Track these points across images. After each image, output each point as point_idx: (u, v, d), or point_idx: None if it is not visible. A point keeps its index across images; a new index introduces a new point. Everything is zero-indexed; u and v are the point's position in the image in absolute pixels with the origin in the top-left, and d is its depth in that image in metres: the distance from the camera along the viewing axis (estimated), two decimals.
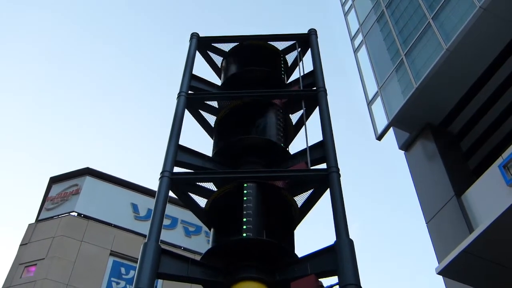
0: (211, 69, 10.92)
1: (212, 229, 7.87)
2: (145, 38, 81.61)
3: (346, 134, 78.64)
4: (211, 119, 9.69)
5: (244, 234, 6.97)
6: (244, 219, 7.12)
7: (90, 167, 30.98)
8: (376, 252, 75.84)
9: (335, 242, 6.74)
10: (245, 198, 7.36)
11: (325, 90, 9.21)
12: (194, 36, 10.69)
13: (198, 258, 7.26)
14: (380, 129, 18.34)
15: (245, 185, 7.53)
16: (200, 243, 29.72)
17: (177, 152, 8.17)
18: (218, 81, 10.47)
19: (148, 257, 6.52)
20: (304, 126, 8.89)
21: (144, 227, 28.25)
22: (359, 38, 22.06)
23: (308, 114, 9.34)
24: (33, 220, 29.31)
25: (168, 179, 7.68)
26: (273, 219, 7.56)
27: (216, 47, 10.85)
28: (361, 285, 6.24)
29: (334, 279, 6.57)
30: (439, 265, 12.19)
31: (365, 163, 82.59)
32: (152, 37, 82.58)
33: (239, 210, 7.25)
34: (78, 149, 70.12)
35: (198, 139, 10.68)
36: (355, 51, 22.07)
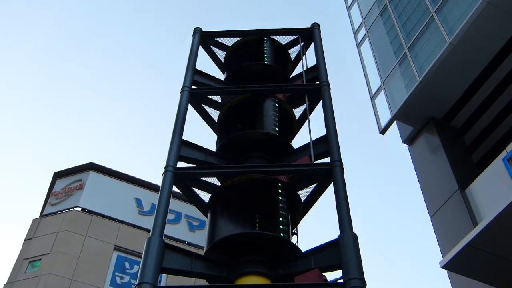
0: (214, 63, 10.92)
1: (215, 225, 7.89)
2: (148, 33, 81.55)
3: (350, 128, 78.51)
4: (214, 113, 9.69)
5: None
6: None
7: (94, 162, 31.05)
8: (379, 246, 75.85)
9: (339, 236, 6.74)
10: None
11: (328, 84, 9.20)
12: (197, 31, 10.68)
13: (202, 252, 7.27)
14: (383, 123, 18.29)
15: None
16: (204, 237, 29.70)
17: (180, 146, 8.18)
18: (221, 76, 10.47)
19: (152, 251, 6.53)
20: (307, 120, 8.88)
21: (148, 222, 28.29)
22: (362, 32, 21.99)
23: (311, 108, 9.34)
24: (37, 215, 29.40)
25: (172, 173, 7.69)
26: (274, 214, 7.57)
27: (219, 42, 10.84)
28: (365, 278, 6.24)
29: (338, 273, 6.58)
30: (443, 259, 12.17)
31: (368, 157, 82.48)
32: (155, 32, 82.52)
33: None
34: (82, 144, 70.20)
35: (201, 134, 10.68)
36: (358, 45, 22.00)
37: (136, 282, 6.29)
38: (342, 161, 7.78)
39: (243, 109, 9.01)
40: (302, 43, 10.56)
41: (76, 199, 29.13)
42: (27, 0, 71.93)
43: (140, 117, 76.14)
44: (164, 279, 26.84)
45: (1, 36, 70.36)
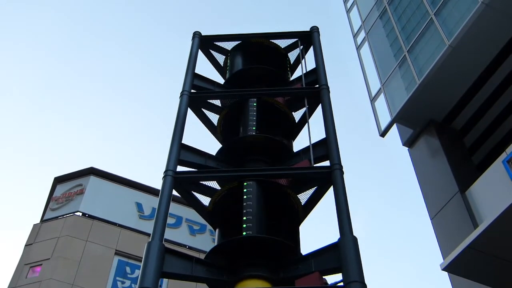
0: (213, 67, 10.93)
1: (217, 229, 7.88)
2: (147, 37, 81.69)
3: (349, 131, 78.59)
4: (214, 117, 9.69)
5: (244, 233, 6.97)
6: (244, 218, 7.13)
7: (94, 167, 31.05)
8: (380, 248, 75.81)
9: (339, 239, 6.75)
10: (245, 197, 7.35)
11: (327, 88, 9.21)
12: (196, 35, 10.69)
13: (203, 256, 7.27)
14: (383, 126, 18.31)
15: (245, 183, 7.52)
16: (205, 241, 29.75)
17: (180, 151, 8.18)
18: (220, 80, 10.48)
19: (152, 256, 6.53)
20: (307, 124, 8.89)
21: (148, 226, 28.24)
22: (362, 35, 22.03)
23: (311, 111, 9.34)
24: (38, 220, 29.41)
25: (172, 178, 7.69)
26: (276, 216, 7.57)
27: (218, 46, 10.85)
28: (365, 281, 6.24)
29: (338, 276, 6.57)
30: (444, 261, 12.18)
31: (368, 160, 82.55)
32: (154, 36, 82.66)
33: (240, 209, 7.25)
34: (82, 149, 70.28)
35: (201, 138, 10.69)
36: (358, 48, 22.04)
37: (137, 287, 6.29)
38: (342, 164, 7.79)
39: (242, 112, 9.01)
40: (302, 47, 10.57)
41: (76, 204, 29.14)
42: (27, 0, 72.07)
43: (139, 121, 76.24)
44: (165, 283, 26.84)
45: (1, 36, 70.47)
